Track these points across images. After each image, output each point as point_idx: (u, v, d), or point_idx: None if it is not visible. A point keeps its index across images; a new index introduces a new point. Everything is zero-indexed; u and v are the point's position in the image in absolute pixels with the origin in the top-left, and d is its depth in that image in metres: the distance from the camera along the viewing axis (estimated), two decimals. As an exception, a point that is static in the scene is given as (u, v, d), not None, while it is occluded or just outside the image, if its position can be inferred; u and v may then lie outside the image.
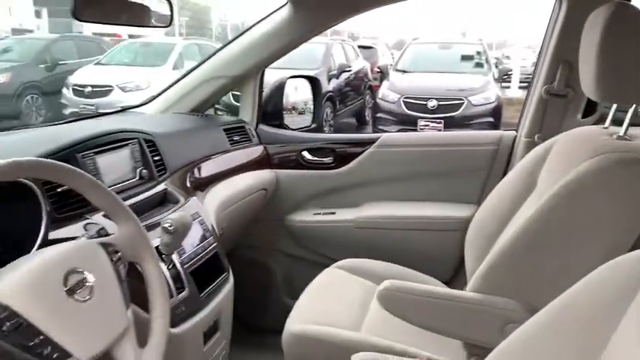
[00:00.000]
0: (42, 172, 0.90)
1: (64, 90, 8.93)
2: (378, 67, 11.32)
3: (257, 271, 2.21)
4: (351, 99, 9.08)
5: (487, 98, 7.59)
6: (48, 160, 0.91)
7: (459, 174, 2.03)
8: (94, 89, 8.70)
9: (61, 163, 0.92)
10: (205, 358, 1.39)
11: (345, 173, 2.13)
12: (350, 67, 9.15)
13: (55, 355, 0.79)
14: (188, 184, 1.68)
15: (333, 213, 2.14)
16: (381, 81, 9.49)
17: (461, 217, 1.92)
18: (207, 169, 1.86)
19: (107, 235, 1.09)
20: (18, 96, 9.27)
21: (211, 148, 1.93)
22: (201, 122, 2.06)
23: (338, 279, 1.72)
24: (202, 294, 1.36)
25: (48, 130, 1.63)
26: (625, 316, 0.64)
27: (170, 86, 2.15)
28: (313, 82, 2.43)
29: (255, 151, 2.16)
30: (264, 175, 2.12)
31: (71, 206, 1.18)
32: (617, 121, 1.37)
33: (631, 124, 1.30)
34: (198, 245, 1.43)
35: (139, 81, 8.83)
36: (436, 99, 7.44)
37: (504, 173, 1.90)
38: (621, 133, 1.28)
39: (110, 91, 8.72)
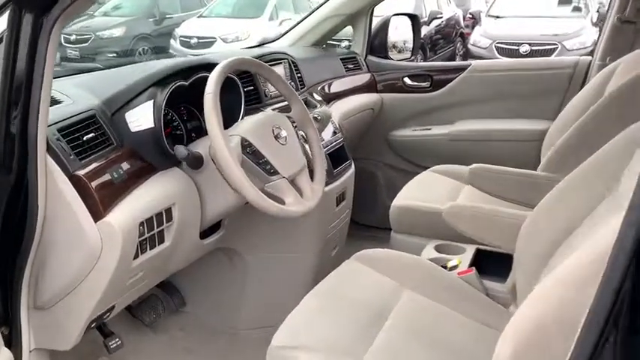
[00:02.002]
0: (251, 67, 1.44)
1: (172, 42, 9.58)
2: (471, 14, 11.18)
3: (365, 178, 2.71)
4: (441, 47, 9.15)
5: (583, 43, 7.48)
6: (255, 60, 1.44)
7: (539, 95, 2.40)
8: (200, 40, 9.31)
9: (262, 63, 1.46)
10: (337, 216, 1.93)
11: (440, 96, 2.55)
12: (441, 13, 9.19)
13: (271, 171, 1.34)
14: (319, 98, 2.19)
15: (429, 129, 2.58)
16: (473, 27, 9.49)
17: (538, 130, 2.30)
18: (330, 88, 2.37)
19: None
20: (132, 48, 10.13)
21: (332, 72, 2.43)
22: (323, 52, 2.56)
23: (432, 178, 2.17)
24: (335, 170, 1.89)
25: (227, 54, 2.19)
26: None
27: (295, 26, 2.66)
28: (413, 19, 2.84)
29: (364, 78, 2.63)
30: (371, 98, 2.60)
31: (253, 101, 1.74)
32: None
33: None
34: (331, 137, 1.95)
35: (238, 32, 9.27)
36: (529, 44, 7.46)
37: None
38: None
39: (213, 42, 9.27)
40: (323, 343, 1.18)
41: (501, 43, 7.64)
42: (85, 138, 1.20)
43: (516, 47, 7.52)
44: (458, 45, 9.58)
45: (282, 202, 1.35)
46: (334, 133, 1.99)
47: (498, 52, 7.65)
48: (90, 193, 1.14)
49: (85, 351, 1.58)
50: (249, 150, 1.32)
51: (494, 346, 1.26)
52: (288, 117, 1.50)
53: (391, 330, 1.23)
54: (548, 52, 7.40)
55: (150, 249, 1.30)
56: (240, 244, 1.86)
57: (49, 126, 1.14)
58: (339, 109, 2.26)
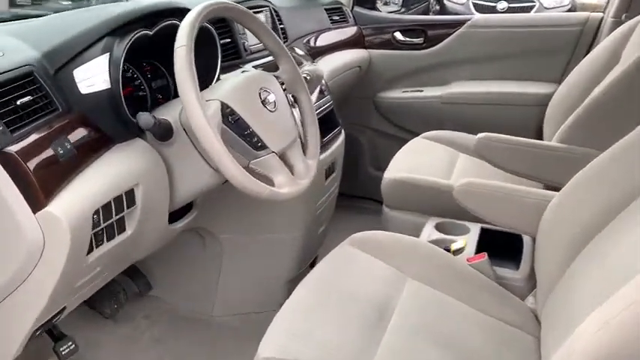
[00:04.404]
0: (233, 13, 1.16)
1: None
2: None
3: (348, 144, 2.48)
4: (413, 1, 8.88)
5: (560, 1, 7.32)
6: (237, 5, 1.16)
7: (543, 54, 2.19)
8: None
9: (246, 9, 1.18)
10: (326, 190, 1.71)
11: (434, 53, 2.31)
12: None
13: (258, 144, 1.09)
14: (302, 52, 1.92)
15: (421, 90, 2.35)
16: (449, -18, 9.17)
17: (542, 94, 2.10)
18: (316, 42, 2.09)
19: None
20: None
21: (317, 24, 2.16)
22: (306, 3, 2.27)
23: (424, 146, 1.96)
24: (325, 138, 1.64)
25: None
26: None
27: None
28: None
29: (350, 31, 2.36)
30: (358, 54, 2.34)
31: (229, 57, 1.46)
32: None
33: None
34: (319, 100, 1.70)
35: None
36: (506, 0, 7.24)
37: (587, 53, 2.04)
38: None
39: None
40: (321, 354, 0.98)
41: (478, -1, 7.39)
42: (18, 102, 0.92)
43: (494, 4, 7.28)
44: (431, 0, 9.29)
45: (270, 182, 1.11)
46: (322, 95, 1.74)
47: (475, 9, 7.40)
48: (26, 176, 0.87)
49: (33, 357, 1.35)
50: (230, 119, 1.06)
51: (515, 345, 1.12)
52: (276, 77, 1.24)
53: (398, 330, 1.05)
54: (526, 10, 7.20)
55: (107, 240, 1.05)
56: (213, 223, 1.62)
57: (-36, 87, 0.86)
58: (325, 67, 2.00)
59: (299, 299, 1.11)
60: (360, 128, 2.51)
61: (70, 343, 1.25)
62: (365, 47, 2.39)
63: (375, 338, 1.02)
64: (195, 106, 0.97)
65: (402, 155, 1.90)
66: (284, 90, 1.24)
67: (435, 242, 1.47)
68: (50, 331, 1.27)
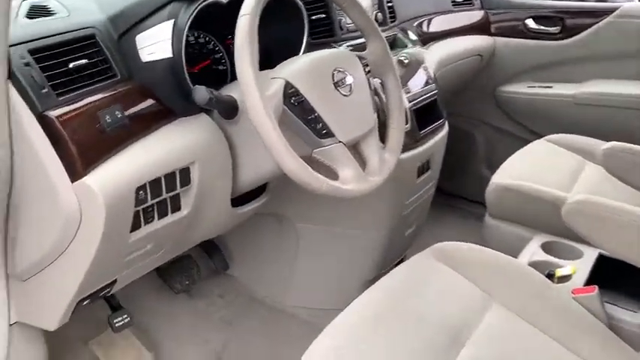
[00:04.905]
0: None
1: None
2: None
3: (458, 139, 2.26)
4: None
5: None
6: None
7: None
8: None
9: None
10: (417, 190, 1.53)
11: (571, 45, 2.00)
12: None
13: (323, 132, 0.96)
14: (414, 37, 1.74)
15: (550, 87, 2.05)
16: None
17: None
18: (429, 26, 1.90)
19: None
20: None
21: (435, 6, 1.96)
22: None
23: (547, 150, 1.70)
24: (422, 131, 1.47)
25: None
26: None
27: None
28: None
29: (475, 16, 2.12)
30: (481, 41, 2.09)
31: (321, 35, 1.34)
32: None
33: None
34: (421, 88, 1.52)
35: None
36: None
37: None
38: None
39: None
40: None
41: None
42: (71, 65, 0.88)
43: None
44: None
45: (334, 175, 0.97)
46: (426, 82, 1.56)
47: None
48: (64, 143, 0.83)
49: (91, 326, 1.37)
50: (294, 100, 0.94)
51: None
52: (361, 57, 1.09)
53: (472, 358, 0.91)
54: None
55: (159, 218, 0.99)
56: (290, 210, 1.53)
57: (16, 44, 0.83)
58: (436, 53, 1.80)
59: (358, 310, 1.00)
60: (476, 123, 2.27)
61: (125, 315, 1.24)
62: (490, 34, 2.14)
63: (572, 180, 0.87)
64: (250, 84, 0.86)
65: (518, 158, 1.66)
66: (368, 73, 1.10)
67: (537, 264, 1.27)
68: (109, 302, 1.27)
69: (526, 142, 1.77)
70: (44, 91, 0.83)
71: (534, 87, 2.09)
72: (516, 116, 2.15)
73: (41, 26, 0.89)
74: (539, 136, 1.81)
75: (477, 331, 0.97)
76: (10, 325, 1.02)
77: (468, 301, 1.04)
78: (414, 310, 0.99)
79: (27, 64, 0.83)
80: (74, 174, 0.84)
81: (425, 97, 1.52)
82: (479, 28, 2.11)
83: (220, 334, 1.56)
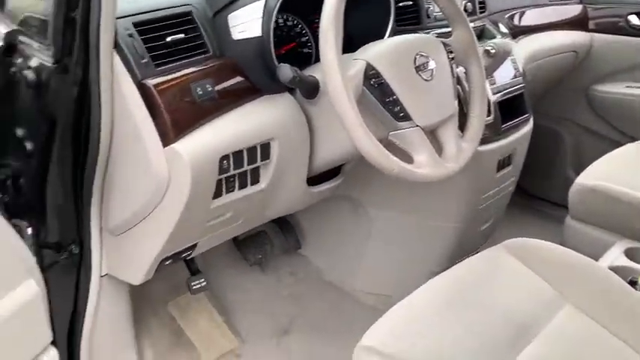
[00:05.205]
0: None
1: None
2: None
3: (544, 138, 2.18)
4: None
5: None
6: None
7: None
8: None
9: None
10: (496, 184, 1.51)
11: (678, 44, 1.87)
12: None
13: (401, 115, 0.97)
14: (504, 30, 1.70)
15: (651, 88, 1.93)
16: None
17: None
18: (522, 19, 1.84)
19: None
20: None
21: (530, -1, 1.89)
22: (523, -28, 2.00)
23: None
24: (504, 124, 1.44)
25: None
26: None
27: None
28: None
29: (572, 10, 2.02)
30: (577, 37, 2.00)
31: (407, 22, 1.35)
32: None
33: None
34: (507, 81, 1.48)
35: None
36: None
37: None
38: None
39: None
40: (428, 359, 0.87)
41: None
42: (169, 39, 0.94)
43: None
44: None
45: (409, 159, 0.98)
46: (514, 76, 1.52)
47: None
48: (159, 110, 0.90)
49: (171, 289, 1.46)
50: (374, 82, 0.96)
51: None
52: (445, 44, 1.09)
53: (534, 358, 0.89)
54: None
55: (239, 189, 1.05)
56: (364, 195, 1.55)
57: (122, 17, 0.90)
58: (527, 47, 1.74)
59: (425, 295, 1.01)
60: (565, 122, 2.17)
61: (202, 280, 1.32)
62: (587, 30, 2.04)
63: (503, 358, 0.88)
64: (332, 64, 0.89)
65: (608, 160, 1.58)
66: (451, 60, 1.09)
67: (619, 269, 1.22)
68: (189, 266, 1.35)
69: (617, 144, 1.69)
70: (144, 61, 0.90)
71: (632, 87, 1.97)
72: (610, 117, 2.04)
73: (145, 1, 0.96)
74: (633, 139, 1.71)
75: (545, 330, 0.95)
76: (102, 276, 1.12)
77: (538, 298, 1.01)
78: (481, 300, 0.99)
79: (130, 36, 0.90)
80: (166, 140, 0.91)
81: (510, 90, 1.49)
82: (575, 24, 2.01)
83: (288, 309, 1.62)
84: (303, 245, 1.79)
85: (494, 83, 1.43)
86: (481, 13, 1.62)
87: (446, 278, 1.05)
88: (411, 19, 1.37)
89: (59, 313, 1.05)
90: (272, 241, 1.68)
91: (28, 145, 0.97)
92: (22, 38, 0.95)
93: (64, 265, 1.06)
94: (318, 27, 1.22)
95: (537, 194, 2.20)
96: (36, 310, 0.90)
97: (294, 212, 1.74)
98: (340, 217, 1.69)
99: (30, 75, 0.90)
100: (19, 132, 0.98)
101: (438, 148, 1.05)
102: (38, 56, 0.90)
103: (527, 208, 2.15)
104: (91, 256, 1.08)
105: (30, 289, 0.89)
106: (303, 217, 1.76)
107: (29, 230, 1.01)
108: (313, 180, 1.24)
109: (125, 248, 1.08)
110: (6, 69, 0.95)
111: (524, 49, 1.73)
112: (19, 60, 0.94)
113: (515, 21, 1.81)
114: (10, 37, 0.95)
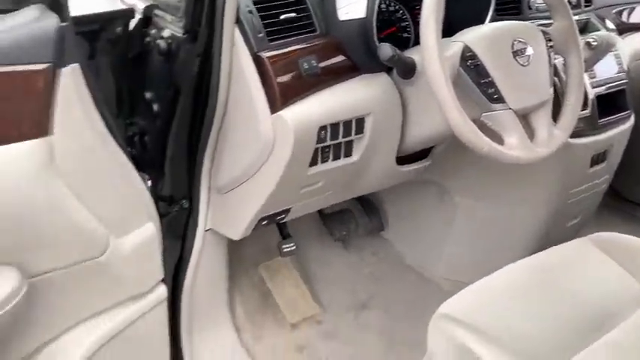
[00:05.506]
0: None
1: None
2: None
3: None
4: None
5: None
6: None
7: None
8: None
9: None
10: (587, 180, 1.49)
11: None
12: None
13: (495, 97, 1.01)
14: (611, 26, 1.66)
15: None
16: None
17: None
18: (631, 16, 1.78)
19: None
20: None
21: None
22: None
23: None
24: (601, 120, 1.42)
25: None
26: None
27: None
28: None
29: (689, 9, 1.92)
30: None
31: (508, 12, 1.37)
32: None
33: None
34: (609, 76, 1.46)
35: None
36: None
37: None
38: None
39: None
40: (504, 334, 0.91)
41: None
42: (282, 17, 1.04)
43: None
44: None
45: (500, 140, 1.02)
46: (617, 71, 1.48)
47: None
48: (270, 80, 1.00)
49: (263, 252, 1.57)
50: (470, 63, 1.00)
51: None
52: (545, 33, 1.11)
53: (611, 346, 0.89)
54: None
55: (333, 159, 1.13)
56: (449, 181, 1.58)
57: (243, -5, 1.01)
58: (633, 44, 1.69)
59: (507, 275, 1.04)
60: None
61: (292, 244, 1.42)
62: None
63: (576, 345, 0.88)
64: (431, 44, 0.95)
65: None
66: (549, 48, 1.11)
67: None
68: (280, 231, 1.46)
69: None
70: (260, 35, 1.01)
71: None
72: None
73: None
74: None
75: (625, 323, 0.94)
76: (206, 230, 1.25)
77: (621, 291, 1.01)
78: (563, 286, 1.00)
79: (250, 12, 1.01)
80: (274, 107, 1.01)
81: (611, 85, 1.46)
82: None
83: (367, 286, 1.69)
84: (385, 228, 1.85)
85: (595, 77, 1.42)
86: (586, 6, 1.60)
87: (529, 262, 1.07)
88: (512, 10, 1.38)
89: (167, 259, 1.19)
90: (357, 220, 1.75)
91: (155, 107, 1.11)
92: (157, 12, 1.09)
93: (175, 216, 1.19)
94: (418, 13, 1.27)
95: (631, 198, 2.11)
96: (153, 250, 1.03)
97: (379, 195, 1.81)
98: (425, 203, 1.73)
99: (162, 44, 1.03)
100: (148, 95, 1.12)
101: (530, 134, 1.07)
102: (170, 28, 1.03)
103: (617, 210, 2.07)
104: (198, 211, 1.21)
105: (149, 230, 1.03)
106: (387, 201, 1.82)
107: (149, 182, 1.15)
108: (402, 160, 1.30)
109: (229, 206, 1.20)
110: (142, 39, 1.09)
111: (630, 46, 1.68)
112: (154, 31, 1.07)
113: (624, 17, 1.76)
114: (147, 10, 1.09)
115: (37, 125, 0.77)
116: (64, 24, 0.79)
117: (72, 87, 0.81)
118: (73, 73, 0.81)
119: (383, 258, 1.81)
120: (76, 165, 0.83)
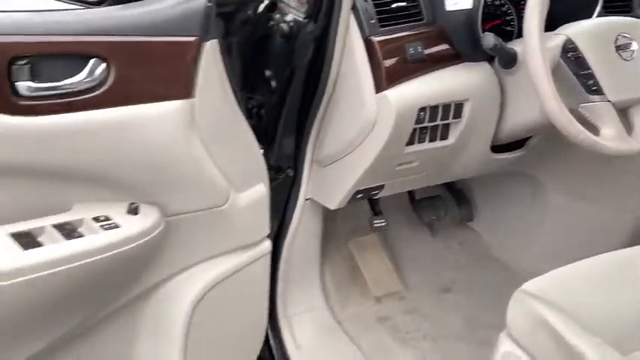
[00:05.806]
0: None
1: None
2: None
3: None
4: None
5: None
6: None
7: None
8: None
9: None
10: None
11: None
12: None
13: (593, 88, 1.05)
14: None
15: None
16: None
17: None
18: None
19: None
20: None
21: None
22: None
23: None
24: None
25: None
26: None
27: None
28: None
29: None
30: None
31: (616, 9, 1.37)
32: None
33: None
34: None
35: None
36: None
37: None
38: None
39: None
40: (584, 313, 0.94)
41: None
42: (394, 5, 1.14)
43: None
44: None
45: (596, 131, 1.05)
46: None
47: None
48: (377, 62, 1.10)
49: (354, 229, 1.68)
50: (570, 55, 1.04)
51: None
52: (653, 29, 1.12)
53: None
54: None
55: (429, 141, 1.21)
56: (544, 174, 1.60)
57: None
58: None
59: (591, 264, 1.07)
60: None
61: (383, 220, 1.51)
62: None
63: None
64: (534, 35, 1.00)
65: None
66: (656, 45, 1.12)
67: None
68: (373, 206, 1.56)
69: None
70: (372, 21, 1.11)
71: None
72: None
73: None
74: None
75: None
76: (306, 199, 1.38)
77: None
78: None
79: (365, 0, 1.12)
80: (379, 87, 1.12)
81: None
82: None
83: (452, 272, 1.75)
84: (475, 219, 1.89)
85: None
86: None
87: (616, 254, 1.09)
88: (621, 7, 1.38)
89: (272, 221, 1.33)
90: (447, 207, 1.81)
91: (273, 83, 1.25)
92: (282, -2, 1.23)
93: (281, 183, 1.33)
94: (523, 8, 1.33)
95: None
96: (263, 208, 1.17)
97: (471, 185, 1.85)
98: (516, 197, 1.76)
99: (285, 27, 1.17)
100: (268, 73, 1.26)
101: (628, 127, 1.10)
102: (293, 12, 1.16)
103: None
104: (301, 181, 1.34)
105: (261, 190, 1.17)
106: (478, 192, 1.86)
107: (261, 151, 1.29)
108: (497, 149, 1.35)
109: (328, 178, 1.32)
110: (267, 22, 1.23)
111: None
112: (277, 15, 1.21)
113: None
114: (274, -4, 1.23)
115: (184, 88, 0.92)
116: (209, 4, 0.94)
117: (212, 59, 0.95)
118: (213, 47, 0.96)
119: (469, 247, 1.85)
120: (209, 125, 0.98)
